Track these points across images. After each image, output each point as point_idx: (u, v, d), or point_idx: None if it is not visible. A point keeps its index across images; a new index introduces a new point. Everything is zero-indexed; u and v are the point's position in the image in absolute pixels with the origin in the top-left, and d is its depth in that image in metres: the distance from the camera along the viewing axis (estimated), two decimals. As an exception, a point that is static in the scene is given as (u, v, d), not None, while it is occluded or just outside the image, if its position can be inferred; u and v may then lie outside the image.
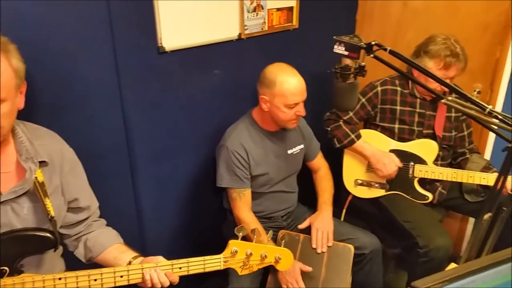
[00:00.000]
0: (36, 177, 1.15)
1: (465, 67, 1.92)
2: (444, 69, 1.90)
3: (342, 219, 2.24)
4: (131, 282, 1.19)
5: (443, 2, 2.29)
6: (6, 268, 1.10)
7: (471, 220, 2.54)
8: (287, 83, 1.71)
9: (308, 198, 2.11)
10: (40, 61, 1.37)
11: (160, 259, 1.24)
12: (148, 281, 1.19)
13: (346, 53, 1.19)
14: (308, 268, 1.81)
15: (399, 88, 2.07)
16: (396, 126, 2.09)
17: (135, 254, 1.30)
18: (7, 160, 1.16)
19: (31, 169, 1.15)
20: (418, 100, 2.06)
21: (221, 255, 1.29)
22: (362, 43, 1.15)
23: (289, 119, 1.77)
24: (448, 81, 1.88)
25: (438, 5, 2.30)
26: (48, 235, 1.14)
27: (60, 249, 1.36)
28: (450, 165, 2.19)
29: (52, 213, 1.17)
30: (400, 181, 2.08)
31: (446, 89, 2.01)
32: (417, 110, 2.06)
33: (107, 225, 1.43)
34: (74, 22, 1.42)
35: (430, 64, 1.91)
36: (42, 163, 1.19)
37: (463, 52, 1.89)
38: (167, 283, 1.20)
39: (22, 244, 1.13)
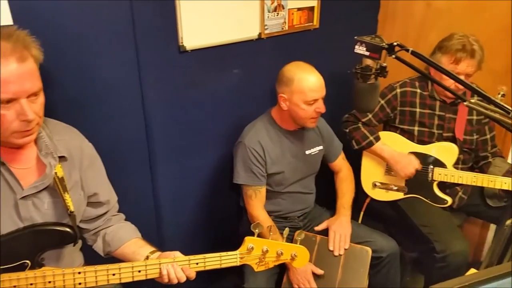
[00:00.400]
0: (56, 173, 1.17)
1: (478, 65, 1.88)
2: (455, 63, 1.87)
3: (359, 221, 2.22)
4: (149, 276, 1.20)
5: (467, 2, 2.24)
6: (28, 261, 1.13)
7: (492, 227, 2.48)
8: (305, 80, 1.71)
9: (326, 199, 2.10)
10: (63, 59, 1.39)
11: (177, 254, 1.25)
12: (165, 276, 1.20)
13: (367, 53, 1.18)
14: (320, 271, 1.81)
15: (418, 90, 2.04)
16: (416, 128, 2.06)
17: (153, 248, 1.31)
18: (27, 155, 1.18)
19: (51, 164, 1.17)
20: (438, 103, 2.03)
21: (237, 252, 1.29)
22: (384, 44, 1.14)
23: (309, 116, 1.76)
24: (463, 77, 1.84)
25: (462, 5, 2.26)
26: (68, 230, 1.17)
27: (79, 243, 1.38)
28: (472, 169, 2.14)
29: (72, 208, 1.19)
30: (419, 184, 2.05)
31: (467, 91, 1.98)
32: (437, 112, 2.03)
33: (125, 219, 1.45)
34: (97, 20, 1.44)
35: (443, 60, 1.90)
36: (62, 158, 1.21)
37: (479, 50, 1.85)
38: (183, 278, 1.21)
39: (43, 238, 1.15)
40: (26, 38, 1.07)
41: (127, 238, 1.35)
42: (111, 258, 1.34)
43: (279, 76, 1.80)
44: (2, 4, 1.21)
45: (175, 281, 1.21)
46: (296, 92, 1.73)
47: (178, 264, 1.22)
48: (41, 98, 1.10)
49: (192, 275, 1.23)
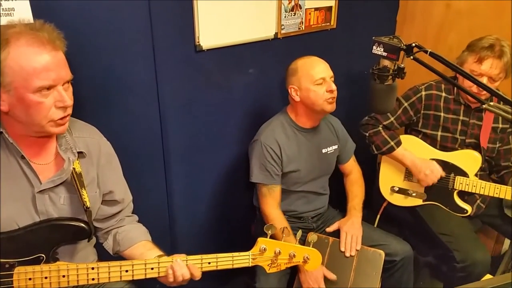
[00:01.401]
0: (74, 168, 1.19)
1: (504, 69, 1.82)
2: (479, 62, 1.82)
3: (375, 225, 2.19)
4: (161, 274, 1.21)
5: (487, 2, 2.20)
6: (43, 255, 1.15)
7: (507, 240, 2.42)
8: (307, 63, 1.77)
9: (340, 201, 2.08)
10: (80, 57, 1.40)
11: (182, 256, 1.24)
12: (170, 274, 1.20)
13: (385, 54, 1.16)
14: (332, 276, 1.80)
15: (444, 94, 1.98)
16: (439, 133, 2.01)
17: (160, 252, 1.31)
18: (48, 151, 1.20)
19: (70, 159, 1.19)
20: (462, 107, 1.97)
21: (249, 252, 1.29)
22: (402, 45, 1.13)
23: (322, 98, 1.75)
24: (486, 80, 1.80)
25: (482, 6, 2.21)
26: (83, 225, 1.18)
27: (93, 239, 1.40)
28: (491, 178, 2.09)
29: (88, 204, 1.20)
30: (439, 192, 2.00)
31: (493, 96, 1.93)
32: (461, 117, 1.97)
33: (138, 221, 1.45)
34: (115, 19, 1.46)
35: (468, 59, 1.85)
36: (80, 155, 1.23)
37: (508, 53, 1.79)
38: (187, 275, 1.21)
39: (59, 232, 1.17)
40: (55, 30, 1.11)
41: (137, 239, 1.36)
42: (121, 257, 1.35)
43: (286, 74, 1.83)
44: (23, 3, 1.24)
45: (179, 279, 1.20)
46: (302, 76, 1.75)
47: (190, 263, 1.22)
48: (71, 87, 1.14)
49: (198, 274, 1.23)
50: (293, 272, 1.85)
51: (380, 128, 2.04)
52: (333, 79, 1.77)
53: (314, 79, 1.74)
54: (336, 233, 1.92)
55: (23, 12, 1.24)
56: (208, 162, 1.93)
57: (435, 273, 2.30)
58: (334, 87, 1.75)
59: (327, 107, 1.77)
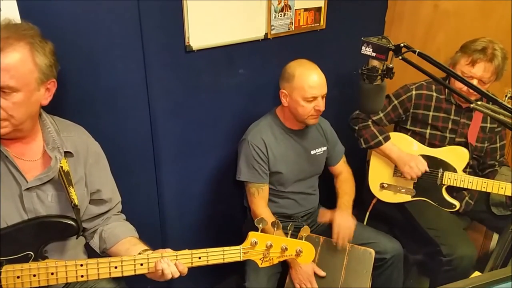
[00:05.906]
0: (61, 166, 1.19)
1: (495, 72, 1.84)
2: (471, 65, 1.84)
3: (365, 222, 2.21)
4: (151, 270, 1.20)
5: (475, 3, 2.22)
6: (31, 252, 1.14)
7: (496, 235, 2.46)
8: (305, 76, 1.72)
9: (330, 201, 2.09)
10: (70, 58, 1.39)
11: (168, 251, 1.24)
12: (159, 271, 1.18)
13: (373, 54, 1.17)
14: (322, 273, 1.80)
15: (434, 94, 2.00)
16: (428, 131, 2.03)
17: (145, 247, 1.30)
18: (34, 149, 1.21)
19: (57, 157, 1.19)
20: (453, 107, 1.99)
21: (240, 246, 1.28)
22: (391, 45, 1.14)
23: (307, 114, 1.76)
24: (476, 82, 1.82)
25: (470, 6, 2.24)
26: (71, 222, 1.18)
27: (83, 239, 1.39)
28: (477, 176, 2.13)
29: (76, 201, 1.20)
30: (428, 187, 2.03)
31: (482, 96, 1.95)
32: (452, 117, 2.00)
33: (127, 220, 1.45)
34: (105, 19, 1.45)
35: (461, 60, 1.87)
36: (68, 154, 1.23)
37: (499, 57, 1.81)
38: (176, 273, 1.20)
39: (46, 230, 1.17)
40: (31, 37, 1.08)
41: (122, 235, 1.35)
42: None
43: (282, 72, 1.81)
44: (10, 3, 1.22)
45: (169, 277, 1.19)
46: (296, 88, 1.73)
47: (180, 259, 1.21)
48: (17, 97, 1.08)
49: (185, 271, 1.22)
50: (283, 272, 1.86)
51: (370, 123, 2.07)
52: (325, 94, 1.76)
53: (306, 96, 1.72)
54: (327, 233, 1.93)
55: (10, 12, 1.22)
56: (198, 162, 1.92)
57: (423, 269, 2.33)
58: (322, 107, 1.75)
59: (310, 121, 1.80)
